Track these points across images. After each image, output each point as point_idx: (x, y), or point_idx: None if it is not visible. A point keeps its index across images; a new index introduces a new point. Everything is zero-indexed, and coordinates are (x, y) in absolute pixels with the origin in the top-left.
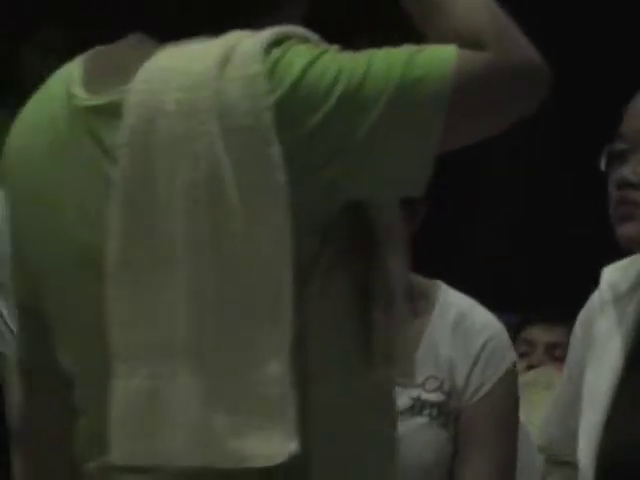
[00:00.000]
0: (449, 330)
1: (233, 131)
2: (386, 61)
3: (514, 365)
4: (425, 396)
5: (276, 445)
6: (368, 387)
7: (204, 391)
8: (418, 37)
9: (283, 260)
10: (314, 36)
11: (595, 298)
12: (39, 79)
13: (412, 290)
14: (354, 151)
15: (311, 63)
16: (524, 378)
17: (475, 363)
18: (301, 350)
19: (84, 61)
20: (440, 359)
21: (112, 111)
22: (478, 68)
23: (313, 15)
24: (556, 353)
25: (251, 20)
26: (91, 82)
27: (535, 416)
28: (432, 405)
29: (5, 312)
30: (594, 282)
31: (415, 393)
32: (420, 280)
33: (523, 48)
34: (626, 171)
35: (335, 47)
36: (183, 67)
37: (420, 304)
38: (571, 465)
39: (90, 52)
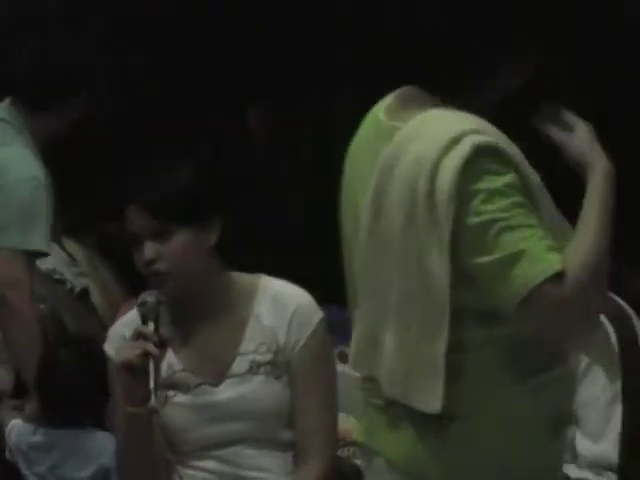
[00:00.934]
0: (269, 306)
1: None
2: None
3: (322, 320)
4: (259, 358)
5: (430, 399)
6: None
7: (399, 347)
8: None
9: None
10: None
11: None
12: None
13: (233, 286)
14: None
15: (485, 197)
16: None
17: (290, 325)
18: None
19: (392, 96)
20: (265, 329)
21: (391, 134)
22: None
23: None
24: None
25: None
26: (390, 111)
27: None
28: (265, 364)
29: None
30: None
31: (251, 357)
32: (244, 276)
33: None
34: None
35: (511, 174)
36: (426, 135)
37: (245, 294)
38: None
39: (398, 91)
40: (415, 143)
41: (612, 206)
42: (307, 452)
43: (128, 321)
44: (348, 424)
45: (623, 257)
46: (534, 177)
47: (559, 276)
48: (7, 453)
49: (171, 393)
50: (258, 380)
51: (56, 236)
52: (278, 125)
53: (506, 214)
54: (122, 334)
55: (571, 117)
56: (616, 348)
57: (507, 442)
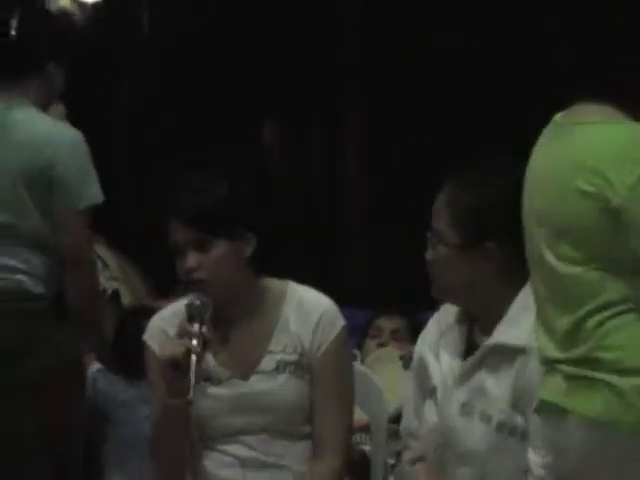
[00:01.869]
0: (295, 312)
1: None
2: None
3: (343, 328)
4: (285, 358)
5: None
6: None
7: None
8: None
9: None
10: None
11: (431, 327)
12: None
13: (264, 291)
14: None
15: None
16: (375, 354)
17: (315, 331)
18: None
19: (568, 110)
20: (291, 332)
21: (570, 132)
22: None
23: None
24: (397, 336)
25: None
26: (567, 116)
27: (383, 380)
28: (290, 364)
29: None
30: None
31: (278, 357)
32: (274, 282)
33: None
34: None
35: None
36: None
37: (274, 299)
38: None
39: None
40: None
41: None
42: (325, 446)
43: (167, 316)
44: (355, 414)
45: None
46: None
47: None
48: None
49: (205, 385)
50: (283, 378)
51: None
52: (289, 140)
53: None
54: (161, 327)
55: None
56: None
57: None
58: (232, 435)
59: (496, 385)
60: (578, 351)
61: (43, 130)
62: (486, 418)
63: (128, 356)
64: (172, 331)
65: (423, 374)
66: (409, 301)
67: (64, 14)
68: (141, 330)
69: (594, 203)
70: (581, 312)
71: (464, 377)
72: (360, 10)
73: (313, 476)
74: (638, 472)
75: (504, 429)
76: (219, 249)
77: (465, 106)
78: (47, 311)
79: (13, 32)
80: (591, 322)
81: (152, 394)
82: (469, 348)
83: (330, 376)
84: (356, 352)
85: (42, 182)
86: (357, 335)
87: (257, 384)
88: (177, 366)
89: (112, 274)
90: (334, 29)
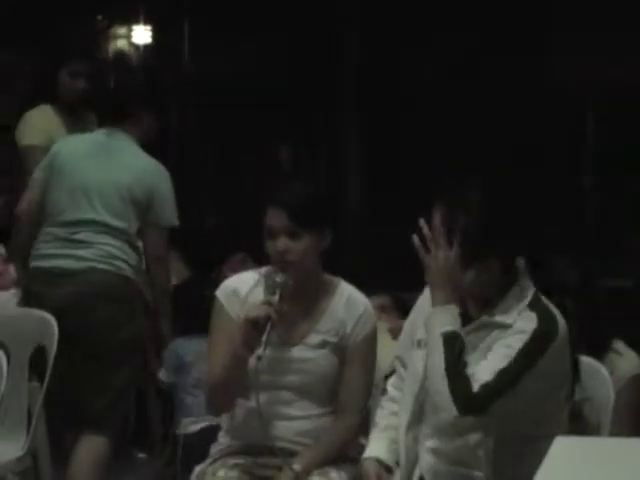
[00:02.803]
0: (343, 303)
1: None
2: None
3: (375, 325)
4: (328, 338)
5: None
6: None
7: None
8: None
9: None
10: None
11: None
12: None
13: (323, 282)
14: None
15: None
16: None
17: (358, 322)
18: None
19: None
20: (337, 320)
21: None
22: None
23: None
24: (385, 311)
25: None
26: None
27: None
28: (331, 343)
29: None
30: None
31: (322, 336)
32: (328, 276)
33: None
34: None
35: None
36: None
37: (327, 290)
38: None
39: None
40: None
41: None
42: (347, 407)
43: (241, 279)
44: None
45: None
46: None
47: None
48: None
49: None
50: (323, 352)
51: None
52: (301, 158)
53: None
54: (234, 287)
55: None
56: None
57: None
58: (269, 390)
59: (477, 354)
60: None
61: (144, 160)
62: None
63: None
64: (243, 291)
65: (414, 327)
66: (394, 279)
67: (121, 54)
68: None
69: None
70: None
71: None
72: (357, 55)
73: (336, 430)
74: None
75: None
76: (306, 240)
77: (461, 123)
78: (135, 291)
79: (114, 85)
80: None
81: (212, 343)
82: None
83: (359, 357)
84: None
85: (142, 202)
86: None
87: (301, 352)
88: (256, 326)
89: None
90: (336, 72)
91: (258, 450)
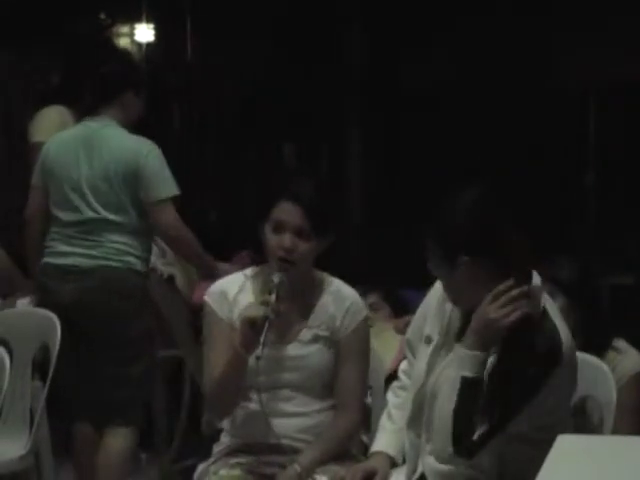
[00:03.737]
0: (332, 298)
1: None
2: None
3: (367, 317)
4: (319, 333)
5: None
6: None
7: None
8: None
9: None
10: None
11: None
12: None
13: (312, 278)
14: None
15: None
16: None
17: (346, 314)
18: None
19: None
20: (327, 313)
21: None
22: None
23: None
24: (374, 307)
25: None
26: None
27: (381, 347)
28: (323, 337)
29: None
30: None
31: (314, 331)
32: (317, 272)
33: None
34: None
35: None
36: None
37: (317, 285)
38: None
39: None
40: None
41: None
42: (346, 404)
43: (229, 280)
44: None
45: None
46: None
47: None
48: None
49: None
50: (316, 347)
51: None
52: (303, 156)
53: None
54: (222, 289)
55: None
56: None
57: None
58: (268, 388)
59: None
60: None
61: (128, 141)
62: None
63: None
64: (232, 293)
65: (424, 320)
66: (395, 278)
67: (125, 52)
68: None
69: None
70: None
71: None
72: (361, 54)
73: (336, 427)
74: None
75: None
76: (314, 243)
77: (463, 123)
78: (145, 284)
79: (102, 69)
80: None
81: (207, 347)
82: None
83: (353, 350)
84: None
85: (130, 177)
86: None
87: (295, 349)
88: (253, 326)
89: (168, 260)
90: (339, 74)
91: (260, 448)
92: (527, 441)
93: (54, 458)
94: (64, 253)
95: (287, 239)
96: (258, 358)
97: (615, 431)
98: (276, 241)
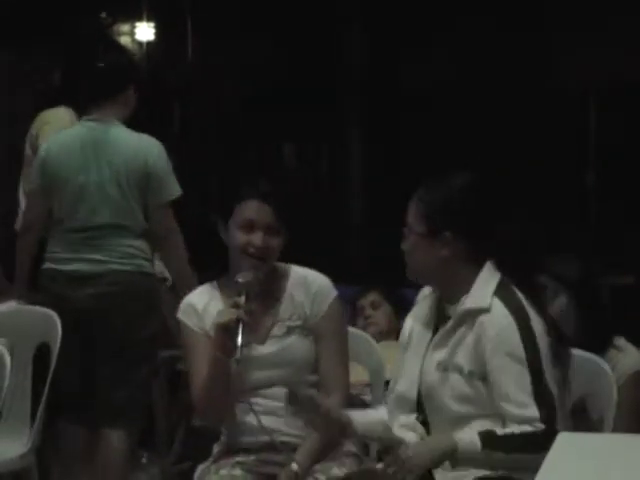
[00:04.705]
0: (297, 286)
1: None
2: None
3: (336, 297)
4: (292, 324)
5: None
6: None
7: None
8: None
9: None
10: None
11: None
12: None
13: (275, 271)
14: None
15: None
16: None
17: (314, 299)
18: None
19: None
20: (296, 302)
21: None
22: None
23: None
24: (375, 305)
25: None
26: None
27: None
28: (297, 327)
29: None
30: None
31: (287, 323)
32: (280, 265)
33: None
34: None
35: None
36: None
37: (281, 278)
38: None
39: None
40: None
41: None
42: (330, 385)
43: (195, 294)
44: (355, 371)
45: None
46: None
47: None
48: None
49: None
50: (292, 339)
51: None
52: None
53: None
54: (190, 303)
55: None
56: None
57: None
58: (253, 389)
59: (465, 343)
60: None
61: (133, 141)
62: (458, 369)
63: None
64: (200, 305)
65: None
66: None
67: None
68: None
69: None
70: None
71: (441, 342)
72: (361, 53)
73: None
74: None
75: (473, 375)
76: (281, 238)
77: (463, 122)
78: (155, 285)
79: (102, 64)
80: None
81: (188, 361)
82: (439, 316)
83: (329, 334)
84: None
85: (141, 179)
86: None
87: (271, 346)
88: (227, 330)
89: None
90: (339, 70)
91: (258, 447)
92: None
93: (55, 457)
94: (71, 259)
95: (258, 237)
96: (238, 362)
97: (615, 429)
98: (246, 239)
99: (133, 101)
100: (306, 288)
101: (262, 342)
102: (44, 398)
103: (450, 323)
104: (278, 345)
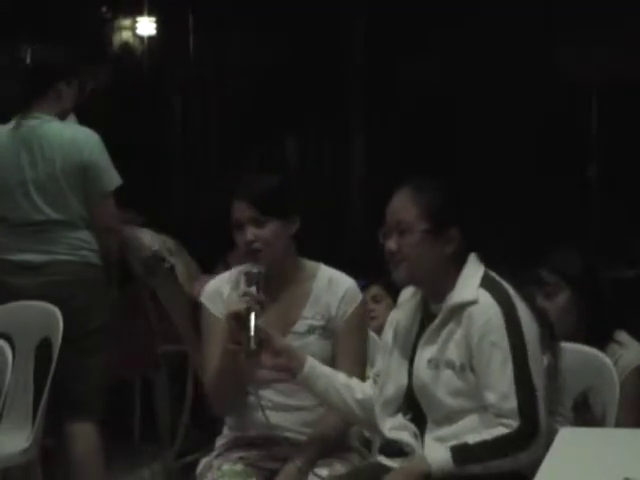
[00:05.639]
0: (325, 286)
1: None
2: None
3: (362, 302)
4: (315, 323)
5: None
6: None
7: None
8: None
9: None
10: None
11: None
12: None
13: (302, 268)
14: None
15: None
16: None
17: (341, 301)
18: None
19: None
20: (321, 302)
21: None
22: None
23: None
24: (377, 298)
25: None
26: None
27: None
28: (319, 327)
29: None
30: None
31: (309, 322)
32: (307, 262)
33: None
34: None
35: None
36: None
37: (308, 275)
38: None
39: None
40: None
41: None
42: None
43: (222, 279)
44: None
45: None
46: None
47: None
48: None
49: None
50: (312, 338)
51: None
52: (307, 152)
53: None
54: (216, 288)
55: None
56: None
57: None
58: (267, 383)
59: (454, 338)
60: None
61: (70, 135)
62: (450, 365)
63: None
64: (226, 292)
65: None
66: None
67: (126, 46)
68: None
69: None
70: None
71: (430, 339)
72: (364, 50)
73: (334, 415)
74: None
75: (465, 368)
76: (271, 227)
77: (465, 118)
78: (102, 276)
79: (28, 60)
80: None
81: (204, 346)
82: (424, 316)
83: (350, 335)
84: None
85: (78, 172)
86: None
87: (291, 342)
88: (238, 319)
89: (171, 252)
90: (341, 67)
91: (262, 442)
92: None
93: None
94: (18, 249)
95: (247, 233)
96: (251, 352)
97: (617, 424)
98: (239, 238)
99: (70, 95)
100: (334, 289)
101: (283, 335)
102: (45, 393)
103: (438, 320)
104: (297, 342)
